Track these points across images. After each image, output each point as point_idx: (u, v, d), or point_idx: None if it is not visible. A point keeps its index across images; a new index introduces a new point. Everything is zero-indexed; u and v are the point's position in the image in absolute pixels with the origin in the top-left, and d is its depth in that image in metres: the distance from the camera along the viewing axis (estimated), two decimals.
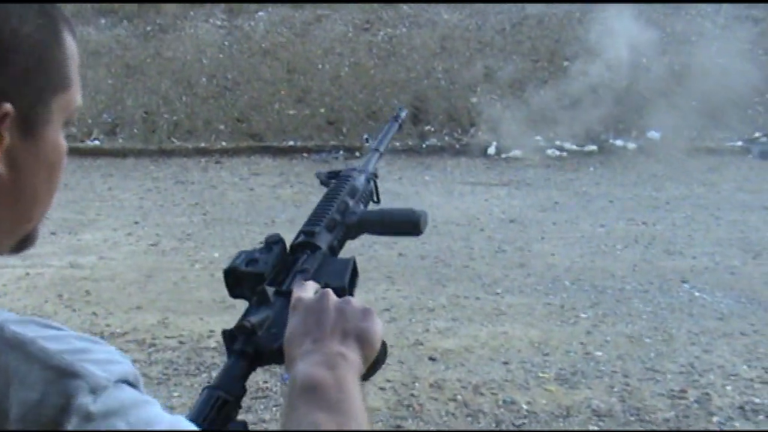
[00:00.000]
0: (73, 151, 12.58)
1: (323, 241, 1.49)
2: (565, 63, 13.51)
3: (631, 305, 6.22)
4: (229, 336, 1.22)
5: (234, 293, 1.35)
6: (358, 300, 1.21)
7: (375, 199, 1.76)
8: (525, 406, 4.55)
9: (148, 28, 15.21)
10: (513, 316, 6.03)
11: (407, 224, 1.62)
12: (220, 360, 5.23)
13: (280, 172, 11.78)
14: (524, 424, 4.34)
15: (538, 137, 12.59)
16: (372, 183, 1.76)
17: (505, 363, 5.16)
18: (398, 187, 10.84)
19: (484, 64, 13.79)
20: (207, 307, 6.27)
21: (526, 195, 10.27)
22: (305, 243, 1.46)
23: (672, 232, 8.37)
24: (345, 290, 1.37)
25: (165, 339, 5.61)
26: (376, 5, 15.19)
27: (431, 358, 5.25)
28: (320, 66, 14.16)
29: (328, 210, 1.56)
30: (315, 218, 1.54)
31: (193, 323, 5.90)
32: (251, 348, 1.20)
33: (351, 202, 1.63)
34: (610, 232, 8.39)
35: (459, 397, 4.69)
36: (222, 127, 13.42)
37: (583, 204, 9.70)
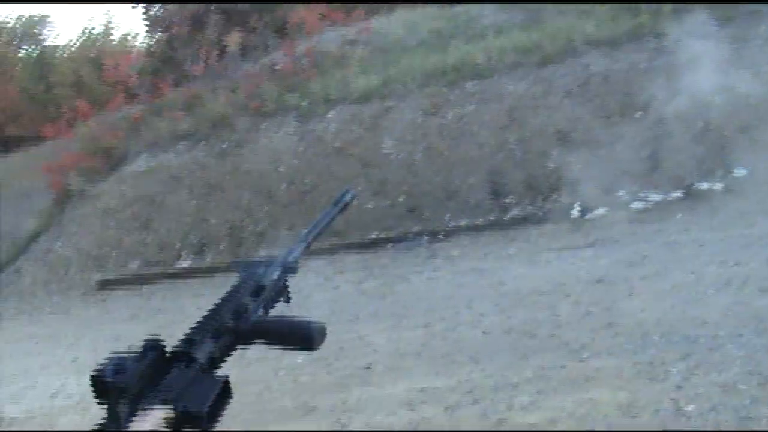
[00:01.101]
0: (164, 276, 12.88)
1: (203, 351, 1.38)
2: (638, 114, 13.22)
3: (724, 352, 5.87)
4: None
5: (101, 401, 1.27)
6: None
7: (285, 299, 1.62)
8: None
9: (224, 146, 15.54)
10: (600, 381, 5.75)
11: (299, 338, 1.48)
12: None
13: (365, 266, 11.73)
14: None
15: (621, 192, 12.27)
16: (284, 280, 1.62)
17: None
18: (483, 264, 10.66)
19: (556, 128, 13.60)
20: (289, 414, 6.18)
21: (612, 252, 9.95)
22: (181, 353, 1.36)
23: (767, 269, 7.96)
24: (203, 418, 1.27)
25: None
26: (444, 88, 15.23)
27: None
28: (393, 156, 14.19)
29: (218, 313, 1.44)
30: (202, 323, 1.43)
31: None
32: None
33: (252, 304, 1.50)
34: (700, 278, 8.01)
35: None
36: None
37: (672, 253, 9.33)
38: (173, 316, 10.65)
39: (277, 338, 1.48)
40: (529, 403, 5.54)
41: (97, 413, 4.79)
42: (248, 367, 7.65)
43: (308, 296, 10.51)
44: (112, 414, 1.20)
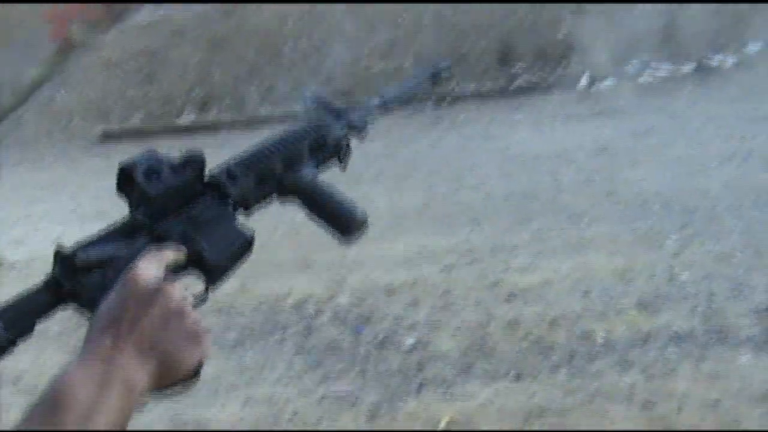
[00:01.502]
0: (168, 130, 12.84)
1: (239, 190, 1.19)
2: None
3: (722, 223, 5.89)
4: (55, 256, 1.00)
5: (120, 193, 1.13)
6: (196, 316, 0.97)
7: (341, 162, 1.39)
8: (602, 336, 4.35)
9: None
10: (597, 246, 5.79)
11: (341, 221, 1.32)
12: (296, 318, 5.20)
13: (369, 127, 11.65)
14: (599, 354, 4.14)
15: (632, 63, 12.11)
16: (349, 140, 1.39)
17: (585, 294, 4.95)
18: (489, 130, 10.61)
19: None
20: (287, 268, 6.24)
21: (618, 123, 9.88)
22: (216, 184, 1.16)
23: None
24: (215, 270, 1.11)
25: (243, 304, 5.58)
26: None
27: (509, 297, 5.08)
28: (402, 18, 13.94)
29: (270, 154, 1.23)
30: (250, 159, 1.21)
31: (272, 286, 5.86)
32: (67, 284, 0.99)
33: (308, 157, 1.29)
34: (705, 151, 7.98)
35: (534, 333, 4.51)
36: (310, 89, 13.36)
37: (679, 126, 9.26)
38: None
39: (318, 209, 1.31)
40: (526, 265, 5.59)
41: None
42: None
43: None
44: (131, 221, 1.08)
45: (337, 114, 1.38)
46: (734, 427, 3.36)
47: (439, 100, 12.60)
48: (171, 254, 1.04)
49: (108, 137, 12.99)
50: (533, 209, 6.92)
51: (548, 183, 7.68)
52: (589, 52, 12.44)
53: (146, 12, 15.18)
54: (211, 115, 13.29)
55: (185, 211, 1.12)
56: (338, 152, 1.38)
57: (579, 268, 5.41)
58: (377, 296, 5.41)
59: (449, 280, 5.54)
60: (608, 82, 11.99)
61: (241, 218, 1.22)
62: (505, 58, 13.16)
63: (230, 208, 1.18)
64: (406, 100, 1.55)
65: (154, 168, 1.12)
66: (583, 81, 12.20)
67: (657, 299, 4.72)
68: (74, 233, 6.55)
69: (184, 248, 1.07)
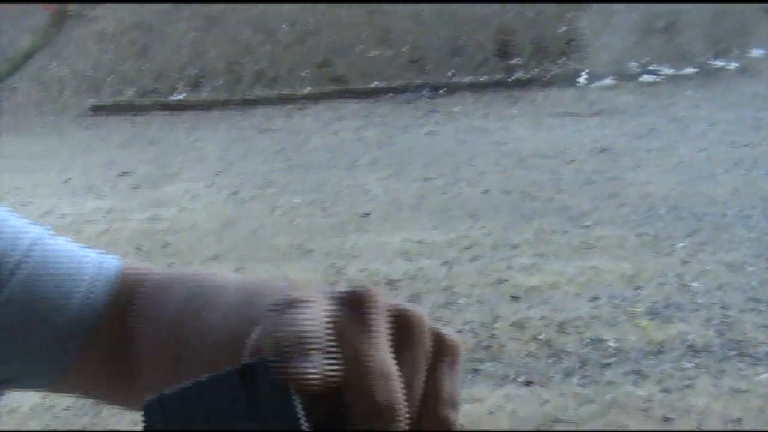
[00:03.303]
0: (159, 106, 12.64)
1: None
2: None
3: (732, 232, 5.77)
4: None
5: None
6: None
7: None
8: (613, 344, 4.22)
9: None
10: (603, 249, 5.66)
11: None
12: None
13: (364, 115, 11.51)
14: (611, 363, 4.01)
15: (632, 63, 12.00)
16: None
17: (593, 299, 4.82)
18: (485, 123, 10.47)
19: None
20: (284, 254, 6.09)
21: (619, 124, 9.77)
22: None
23: None
24: None
25: None
26: None
27: (513, 297, 4.94)
28: (401, 4, 13.76)
29: None
30: None
31: (269, 271, 5.71)
32: None
33: None
34: (710, 157, 7.87)
35: (542, 336, 4.38)
36: (305, 73, 13.19)
37: (681, 129, 9.15)
38: (167, 147, 10.47)
39: None
40: (529, 265, 5.46)
41: (91, 235, 4.64)
42: (243, 205, 7.55)
43: (307, 139, 10.34)
44: None
45: None
46: None
47: (435, 90, 12.45)
48: None
49: (99, 110, 12.76)
50: (533, 208, 6.80)
51: (548, 182, 7.55)
52: (589, 48, 12.33)
53: None
54: (204, 94, 13.09)
55: None
56: None
57: (585, 271, 5.28)
58: (377, 288, 5.25)
59: (451, 275, 5.41)
60: (608, 81, 11.88)
61: None
62: (504, 50, 13.02)
63: None
64: None
65: None
66: (582, 78, 12.09)
67: (669, 308, 4.59)
68: (65, 207, 6.39)
69: None
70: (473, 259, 5.69)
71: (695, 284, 4.91)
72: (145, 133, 11.51)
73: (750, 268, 5.08)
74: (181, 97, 13.08)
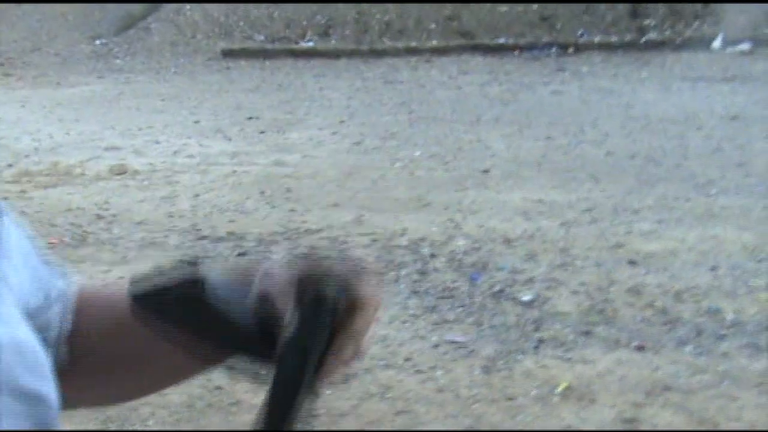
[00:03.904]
0: (288, 53, 12.85)
1: None
2: None
3: None
4: None
5: None
6: None
7: None
8: (730, 316, 4.18)
9: None
10: (726, 219, 5.57)
11: None
12: (410, 258, 5.14)
13: (490, 71, 11.47)
14: (728, 335, 3.98)
15: None
16: None
17: (713, 268, 4.76)
18: (612, 84, 10.33)
19: None
20: (403, 205, 6.19)
21: (752, 91, 9.50)
22: None
23: None
24: None
25: (358, 236, 5.55)
26: None
27: (631, 262, 4.93)
28: None
29: None
30: None
31: (387, 221, 5.82)
32: None
33: None
34: None
35: (658, 303, 4.37)
36: (433, 25, 13.19)
37: None
38: (295, 93, 10.66)
39: None
40: (649, 231, 5.42)
41: (218, 177, 4.83)
42: (365, 155, 7.67)
43: (431, 92, 10.38)
44: None
45: None
46: None
47: (563, 48, 12.30)
48: None
49: (229, 54, 13.06)
50: (657, 173, 6.71)
51: (674, 147, 7.43)
52: (724, 12, 11.97)
53: None
54: (332, 42, 13.24)
55: None
56: None
57: (706, 240, 5.22)
58: (494, 245, 5.31)
59: (568, 237, 5.41)
60: (743, 46, 11.52)
61: None
62: (636, 10, 12.76)
63: None
64: None
65: None
66: (717, 42, 11.75)
67: None
68: (194, 148, 6.62)
69: None
70: (592, 221, 5.67)
71: None
72: (273, 78, 11.74)
73: None
74: (309, 44, 13.26)
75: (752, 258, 4.89)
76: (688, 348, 3.88)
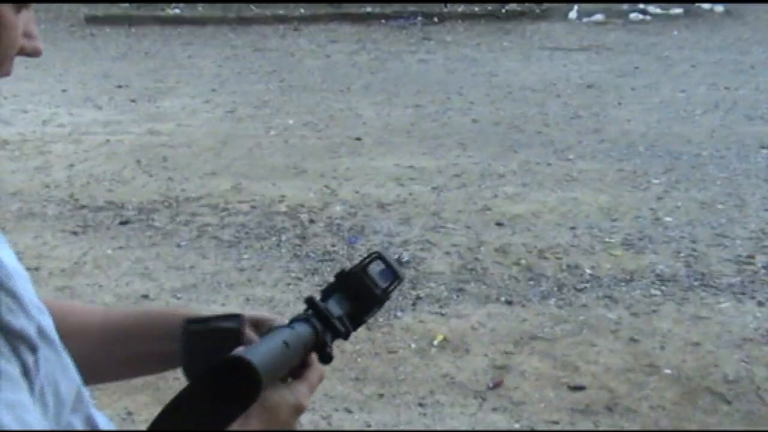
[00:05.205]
0: (155, 20, 12.72)
1: None
2: None
3: (706, 171, 6.12)
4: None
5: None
6: None
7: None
8: (588, 271, 4.57)
9: None
10: (584, 182, 5.99)
11: None
12: (290, 224, 5.35)
13: (358, 39, 11.69)
14: (586, 288, 4.36)
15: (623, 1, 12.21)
16: None
17: (572, 228, 5.16)
18: (476, 53, 10.70)
19: None
20: (280, 173, 6.37)
21: (606, 60, 10.04)
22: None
23: (755, 97, 8.14)
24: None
25: (237, 204, 5.72)
26: None
27: (498, 223, 5.27)
28: None
29: None
30: None
31: (265, 188, 6.00)
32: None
33: None
34: (690, 97, 8.18)
35: (523, 261, 4.72)
36: None
37: (665, 69, 9.45)
38: (163, 60, 10.64)
39: None
40: (514, 194, 5.78)
41: (91, 146, 4.92)
42: (239, 124, 7.80)
43: (300, 60, 10.54)
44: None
45: None
46: (712, 369, 3.60)
47: (428, 17, 12.62)
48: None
49: (92, 21, 12.86)
50: (520, 140, 7.09)
51: (535, 115, 7.84)
52: None
53: None
54: (199, 10, 13.19)
55: None
56: None
57: (566, 202, 5.61)
58: (369, 210, 5.57)
59: (439, 201, 5.72)
60: (598, 17, 12.09)
61: None
62: None
63: None
64: None
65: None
66: (573, 13, 12.29)
67: (642, 240, 4.94)
68: (63, 117, 6.61)
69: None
70: (461, 186, 5.99)
71: (668, 219, 5.26)
72: (139, 45, 11.65)
73: (720, 206, 5.43)
74: (176, 11, 13.18)
75: (607, 218, 5.31)
76: (552, 301, 4.24)
